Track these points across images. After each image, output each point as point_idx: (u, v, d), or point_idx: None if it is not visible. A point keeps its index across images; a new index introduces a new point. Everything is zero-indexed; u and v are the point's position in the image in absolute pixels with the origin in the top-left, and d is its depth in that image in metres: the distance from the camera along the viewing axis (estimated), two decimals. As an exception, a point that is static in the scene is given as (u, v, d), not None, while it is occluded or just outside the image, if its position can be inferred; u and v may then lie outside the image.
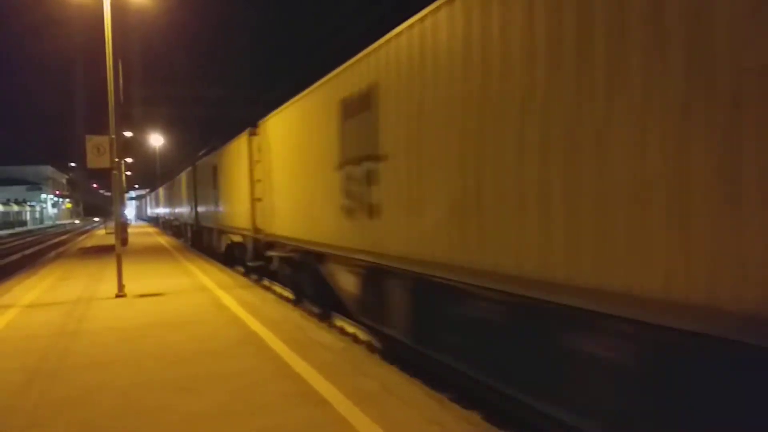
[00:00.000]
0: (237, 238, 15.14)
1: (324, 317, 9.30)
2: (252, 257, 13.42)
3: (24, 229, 67.39)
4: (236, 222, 14.88)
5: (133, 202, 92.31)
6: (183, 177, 27.58)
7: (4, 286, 12.51)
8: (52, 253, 24.72)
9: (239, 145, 14.20)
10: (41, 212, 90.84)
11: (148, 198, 72.02)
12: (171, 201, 34.69)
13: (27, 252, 29.52)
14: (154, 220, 56.26)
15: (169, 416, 4.32)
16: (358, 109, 7.20)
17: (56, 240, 40.30)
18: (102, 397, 4.78)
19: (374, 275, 7.07)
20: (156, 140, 48.03)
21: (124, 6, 12.09)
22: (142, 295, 10.17)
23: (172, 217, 35.57)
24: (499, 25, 4.51)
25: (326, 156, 8.32)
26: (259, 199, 12.56)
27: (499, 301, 4.66)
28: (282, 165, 10.95)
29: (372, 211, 6.82)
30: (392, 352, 6.94)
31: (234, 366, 5.62)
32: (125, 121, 28.38)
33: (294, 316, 8.22)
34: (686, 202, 3.08)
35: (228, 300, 9.55)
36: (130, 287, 10.58)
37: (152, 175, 52.75)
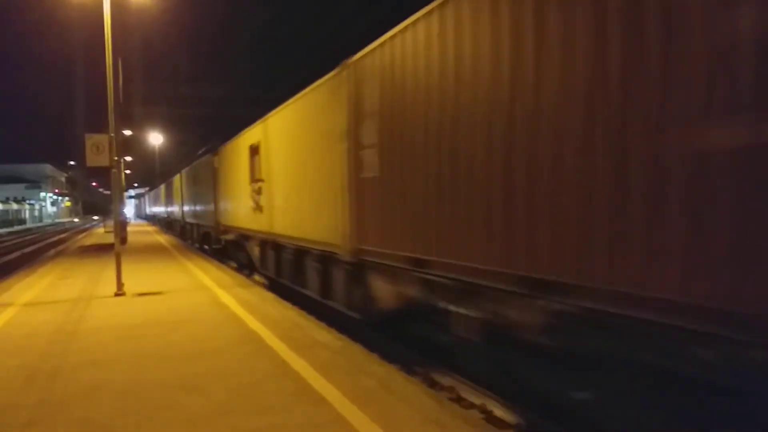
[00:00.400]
0: (207, 230, 20.96)
1: (249, 275, 14.19)
2: (214, 242, 18.96)
3: (23, 227, 67.35)
4: (206, 219, 21.02)
5: (132, 200, 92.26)
6: (174, 180, 32.96)
7: (3, 284, 12.50)
8: (51, 252, 24.71)
9: (207, 162, 20.23)
10: (40, 210, 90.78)
11: (147, 197, 72.04)
12: (166, 200, 38.94)
13: (26, 250, 29.51)
14: (153, 219, 56.28)
15: (169, 414, 4.33)
16: (254, 153, 13.40)
17: (55, 238, 40.29)
18: (102, 396, 4.79)
19: (264, 244, 13.00)
20: (155, 139, 48.04)
21: (124, 5, 12.09)
22: (141, 294, 10.18)
23: (166, 216, 39.81)
24: (296, 122, 10.51)
25: (245, 176, 14.36)
26: (218, 201, 18.60)
27: (295, 250, 10.45)
28: (227, 179, 17.07)
29: (261, 209, 12.81)
30: (302, 302, 9.89)
31: (233, 364, 5.63)
32: (125, 120, 28.41)
33: (292, 315, 8.23)
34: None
35: (227, 298, 9.56)
36: (129, 286, 10.58)
37: (151, 174, 52.74)
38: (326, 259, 8.91)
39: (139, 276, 12.45)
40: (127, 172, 39.93)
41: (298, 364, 5.54)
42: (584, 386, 4.29)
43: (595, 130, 3.76)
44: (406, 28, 6.21)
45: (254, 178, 13.28)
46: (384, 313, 7.28)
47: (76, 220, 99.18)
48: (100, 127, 10.68)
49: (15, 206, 75.10)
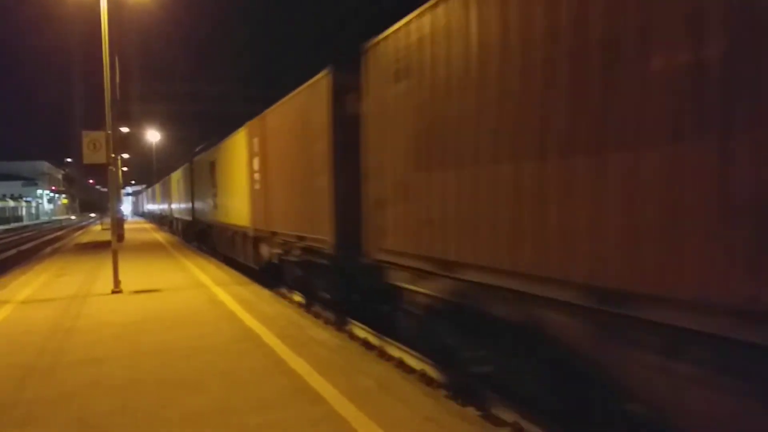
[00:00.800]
0: (186, 223, 27.24)
1: (216, 257, 17.45)
2: (194, 232, 24.16)
3: (20, 224, 67.18)
4: (186, 214, 27.22)
5: (130, 198, 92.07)
6: (165, 180, 38.92)
7: (-1, 281, 12.48)
8: (48, 249, 24.66)
9: (185, 169, 26.60)
10: (37, 208, 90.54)
11: (144, 194, 71.93)
12: (161, 198, 44.11)
13: (23, 248, 29.43)
14: (150, 216, 56.21)
15: (166, 412, 4.33)
16: (212, 167, 18.89)
17: (52, 236, 40.18)
18: (98, 394, 4.78)
19: (222, 231, 17.80)
20: (153, 136, 47.89)
21: (121, 2, 12.05)
22: (138, 292, 10.16)
23: (160, 212, 45.49)
24: (228, 153, 16.70)
25: (208, 184, 19.89)
26: (194, 201, 24.28)
27: (234, 231, 15.79)
28: (197, 185, 23.20)
29: (216, 206, 18.33)
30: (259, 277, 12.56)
31: (230, 362, 5.62)
32: (122, 117, 28.37)
33: (289, 313, 8.23)
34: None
35: (224, 296, 9.55)
36: (126, 283, 10.56)
37: (149, 171, 52.60)
38: (242, 235, 14.75)
39: (136, 273, 12.43)
40: (125, 169, 39.84)
41: (296, 362, 5.53)
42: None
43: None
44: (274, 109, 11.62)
45: (213, 185, 19.13)
46: (266, 262, 12.64)
47: (72, 217, 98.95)
48: (98, 124, 10.68)
49: (11, 203, 74.90)
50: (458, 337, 5.59)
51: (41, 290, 10.71)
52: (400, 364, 6.68)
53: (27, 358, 5.91)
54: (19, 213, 77.81)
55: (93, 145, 10.02)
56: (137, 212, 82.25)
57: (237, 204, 15.17)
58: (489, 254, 4.80)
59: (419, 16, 5.85)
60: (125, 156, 39.68)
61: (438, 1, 5.49)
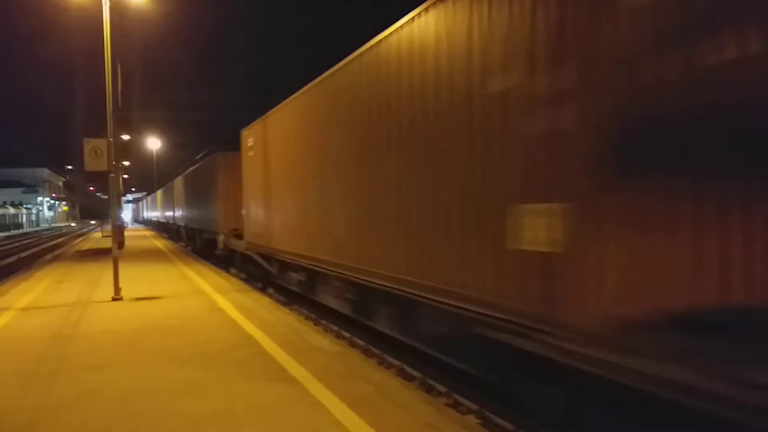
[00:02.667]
0: (177, 226, 31.85)
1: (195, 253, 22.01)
2: (176, 234, 31.13)
3: (20, 231, 67.17)
4: (174, 220, 32.68)
5: (130, 205, 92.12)
6: (164, 188, 43.14)
7: (-1, 288, 12.48)
8: (48, 256, 24.66)
9: (173, 183, 32.75)
10: (37, 215, 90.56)
11: (144, 201, 72.01)
12: (159, 206, 47.24)
13: (23, 255, 29.43)
14: (151, 223, 56.24)
15: (166, 419, 4.33)
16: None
17: (52, 243, 40.17)
18: (99, 401, 4.79)
19: (193, 231, 24.33)
20: (153, 144, 48.00)
21: (123, 10, 12.13)
22: (138, 299, 10.17)
23: (155, 219, 50.68)
24: (195, 179, 24.50)
25: (182, 199, 28.35)
26: (175, 210, 31.36)
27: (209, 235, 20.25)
28: (177, 198, 30.44)
29: (175, 213, 32.00)
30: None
31: (230, 369, 5.63)
32: (123, 125, 28.48)
33: (289, 320, 8.23)
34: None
35: (224, 303, 9.55)
36: (126, 290, 10.57)
37: (150, 179, 52.69)
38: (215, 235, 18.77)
39: (136, 280, 12.44)
40: (125, 176, 39.88)
41: (296, 369, 5.54)
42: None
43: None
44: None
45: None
46: (230, 250, 16.59)
47: (73, 224, 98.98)
48: (99, 131, 10.67)
49: (12, 210, 74.92)
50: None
51: (42, 297, 10.72)
52: (401, 371, 6.68)
53: (27, 365, 5.91)
54: (20, 220, 77.82)
55: (94, 153, 10.06)
56: (138, 219, 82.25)
57: (211, 215, 21.22)
58: (289, 245, 10.54)
59: (258, 123, 12.82)
60: (126, 163, 39.77)
61: (261, 120, 12.45)
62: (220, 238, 17.18)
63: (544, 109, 3.99)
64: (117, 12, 11.26)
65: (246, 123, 13.98)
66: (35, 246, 36.84)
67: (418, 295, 5.70)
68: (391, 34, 6.25)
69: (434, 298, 5.39)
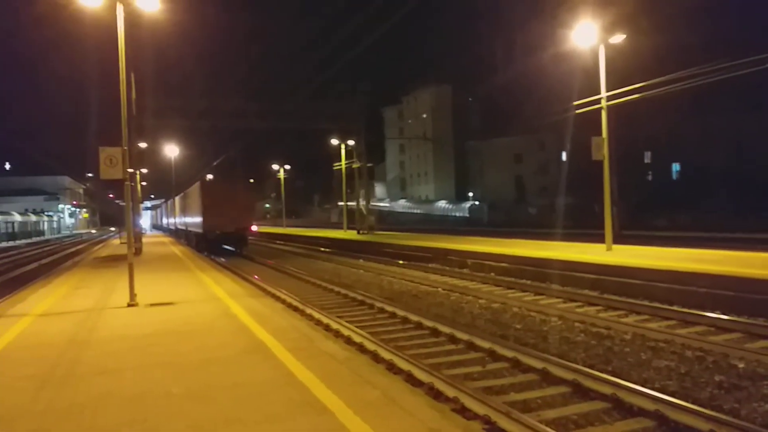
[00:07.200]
0: (179, 229, 42.13)
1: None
2: (179, 234, 41.56)
3: (41, 238, 68.38)
4: (178, 225, 43.50)
5: (149, 212, 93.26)
6: (177, 197, 48.87)
7: (18, 295, 12.72)
8: (68, 263, 25.08)
9: (182, 195, 40.74)
10: (58, 222, 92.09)
11: (162, 208, 72.90)
12: (174, 213, 51.15)
13: (43, 261, 29.98)
14: (168, 230, 56.92)
15: (176, 424, 4.40)
16: (183, 196, 42.69)
17: (72, 249, 40.87)
18: (110, 405, 4.87)
19: (184, 231, 39.06)
20: (171, 151, 48.59)
21: (137, 21, 12.34)
22: (153, 305, 10.30)
23: (166, 224, 58.51)
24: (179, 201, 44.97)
25: (177, 212, 45.08)
26: (175, 217, 45.93)
27: (194, 233, 34.57)
28: (174, 211, 48.41)
29: (184, 220, 42.25)
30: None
31: (240, 375, 5.69)
32: (141, 133, 28.90)
33: (301, 326, 8.29)
34: None
35: (237, 309, 9.63)
36: (141, 296, 10.70)
37: (168, 185, 53.41)
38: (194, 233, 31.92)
39: (152, 286, 12.59)
40: (143, 183, 40.54)
41: (304, 374, 5.58)
42: None
43: None
44: None
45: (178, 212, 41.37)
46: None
47: (93, 231, 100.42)
48: (117, 139, 10.80)
49: (33, 218, 76.26)
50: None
51: (59, 303, 10.91)
52: (409, 377, 6.69)
53: (42, 370, 6.02)
54: (41, 227, 79.17)
55: (110, 161, 10.22)
56: (156, 226, 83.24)
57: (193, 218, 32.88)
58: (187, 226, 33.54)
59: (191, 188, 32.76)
60: (144, 171, 40.36)
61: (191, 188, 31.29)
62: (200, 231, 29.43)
63: None
64: (132, 24, 11.46)
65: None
66: (55, 253, 37.49)
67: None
68: None
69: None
